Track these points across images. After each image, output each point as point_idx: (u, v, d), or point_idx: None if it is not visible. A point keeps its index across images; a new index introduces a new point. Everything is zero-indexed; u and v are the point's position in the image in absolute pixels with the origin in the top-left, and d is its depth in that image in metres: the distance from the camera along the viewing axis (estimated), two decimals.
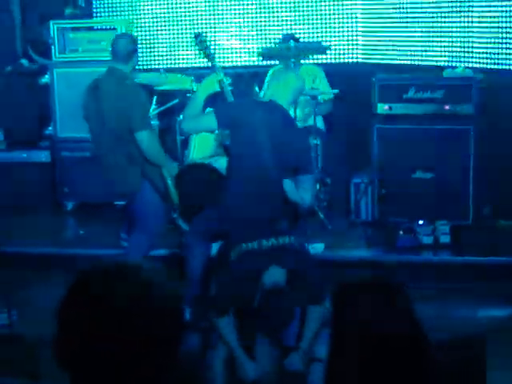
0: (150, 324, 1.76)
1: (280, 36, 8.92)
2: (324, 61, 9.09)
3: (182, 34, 9.52)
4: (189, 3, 9.39)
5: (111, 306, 1.75)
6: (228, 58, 9.44)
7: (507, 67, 7.71)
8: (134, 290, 1.79)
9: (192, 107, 5.64)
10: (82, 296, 1.79)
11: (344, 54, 9.28)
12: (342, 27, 9.20)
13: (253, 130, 5.33)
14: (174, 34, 9.53)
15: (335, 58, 9.23)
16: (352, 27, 9.17)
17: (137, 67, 8.98)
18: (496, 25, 7.73)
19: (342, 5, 9.13)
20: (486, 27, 7.85)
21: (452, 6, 8.16)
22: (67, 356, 1.77)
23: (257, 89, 8.14)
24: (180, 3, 9.41)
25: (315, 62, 8.90)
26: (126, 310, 1.75)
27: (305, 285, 5.08)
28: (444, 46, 8.36)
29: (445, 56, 8.37)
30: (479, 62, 8.00)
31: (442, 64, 8.33)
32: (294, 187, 5.43)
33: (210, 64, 6.03)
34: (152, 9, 9.51)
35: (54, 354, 1.78)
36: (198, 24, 9.39)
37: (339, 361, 2.18)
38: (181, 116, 7.80)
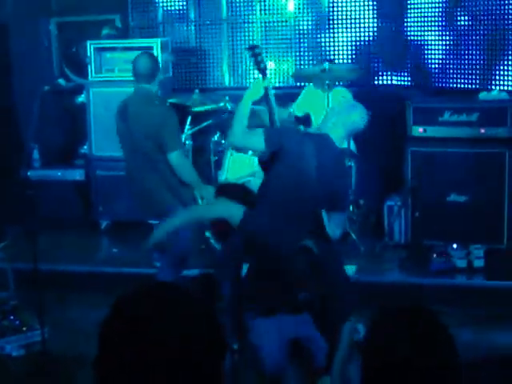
0: (190, 348, 1.77)
1: (315, 57, 8.98)
2: (358, 82, 9.12)
3: (216, 54, 9.60)
4: (224, 23, 9.48)
5: (152, 328, 1.76)
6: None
7: None
8: (176, 312, 1.80)
9: (239, 116, 5.48)
10: (124, 317, 1.80)
11: (378, 76, 9.28)
12: (376, 49, 9.21)
13: (300, 162, 5.23)
14: (208, 54, 9.61)
15: (369, 80, 9.24)
16: (385, 50, 9.18)
17: (172, 87, 9.09)
18: None
19: (375, 27, 9.15)
20: None
21: (486, 29, 8.15)
22: (106, 375, 1.78)
23: (291, 110, 8.16)
24: (215, 23, 9.50)
25: (348, 83, 8.93)
26: (167, 332, 1.76)
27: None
28: (479, 69, 8.34)
29: (479, 79, 8.34)
30: None
31: (476, 87, 8.31)
32: (327, 220, 5.39)
33: (261, 76, 5.91)
34: (187, 29, 9.62)
35: (94, 372, 1.79)
36: (232, 44, 9.47)
37: None
38: (215, 137, 7.85)
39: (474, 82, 8.42)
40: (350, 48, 9.25)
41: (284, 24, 9.38)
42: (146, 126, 6.23)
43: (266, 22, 9.41)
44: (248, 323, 5.11)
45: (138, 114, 6.30)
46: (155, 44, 8.55)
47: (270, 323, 5.04)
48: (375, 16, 9.12)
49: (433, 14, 8.69)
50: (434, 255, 7.07)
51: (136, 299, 1.84)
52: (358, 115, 5.37)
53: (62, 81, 9.55)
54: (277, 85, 9.47)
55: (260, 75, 5.72)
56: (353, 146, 8.02)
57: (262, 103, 5.87)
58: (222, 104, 8.06)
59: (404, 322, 2.22)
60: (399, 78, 9.19)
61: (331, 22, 9.23)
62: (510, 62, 8.03)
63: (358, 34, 9.20)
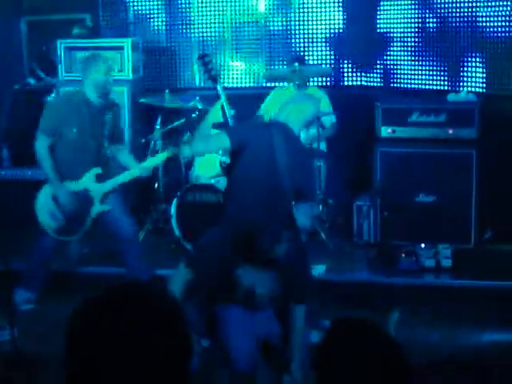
0: (158, 346, 1.77)
1: (285, 58, 9.02)
2: (327, 83, 9.18)
3: (186, 54, 9.60)
4: (195, 23, 9.49)
5: (119, 328, 1.77)
6: (233, 79, 9.51)
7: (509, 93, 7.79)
8: (144, 312, 1.81)
9: (201, 130, 5.60)
10: (90, 317, 1.81)
11: (347, 76, 9.34)
12: (346, 50, 9.27)
13: (267, 150, 5.27)
14: (178, 54, 9.62)
15: (339, 81, 9.30)
16: (356, 51, 9.24)
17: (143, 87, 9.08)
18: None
19: (346, 29, 9.21)
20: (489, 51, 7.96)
21: (455, 31, 8.25)
22: (74, 374, 1.79)
23: (261, 110, 8.20)
24: (186, 23, 9.51)
25: (319, 84, 8.98)
26: (134, 332, 1.77)
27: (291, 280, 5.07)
28: (447, 70, 8.43)
29: (448, 80, 8.43)
30: (482, 87, 8.07)
31: (445, 88, 8.40)
32: (296, 211, 5.42)
33: (213, 85, 6.00)
34: (158, 29, 9.62)
35: (63, 372, 1.80)
36: (203, 45, 9.48)
37: None
38: (185, 137, 7.86)
39: (442, 83, 8.51)
40: (319, 49, 9.29)
41: (255, 24, 9.41)
42: None
43: (236, 23, 9.43)
44: (219, 318, 5.13)
45: None
46: (126, 44, 8.55)
47: (242, 322, 5.06)
48: (345, 17, 9.18)
49: (402, 16, 8.76)
50: (403, 255, 7.13)
51: (102, 299, 1.84)
52: (312, 106, 5.57)
53: (32, 80, 9.49)
54: (247, 85, 9.51)
55: (212, 82, 5.84)
56: (323, 146, 8.08)
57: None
58: (192, 103, 8.07)
59: (349, 335, 2.28)
60: (368, 79, 9.25)
61: (301, 22, 9.27)
62: (478, 64, 8.12)
63: (327, 36, 9.25)
